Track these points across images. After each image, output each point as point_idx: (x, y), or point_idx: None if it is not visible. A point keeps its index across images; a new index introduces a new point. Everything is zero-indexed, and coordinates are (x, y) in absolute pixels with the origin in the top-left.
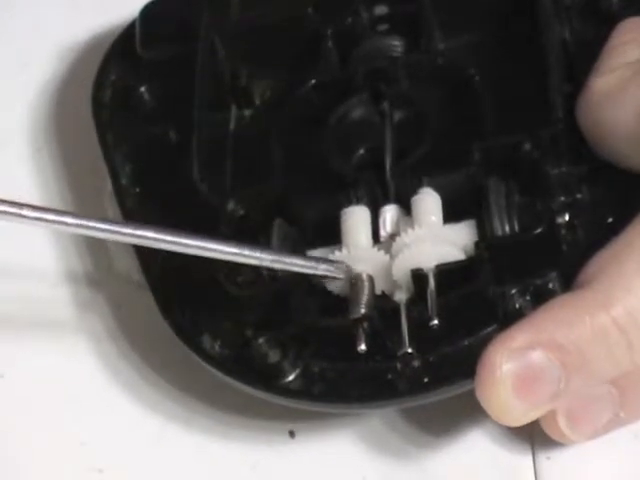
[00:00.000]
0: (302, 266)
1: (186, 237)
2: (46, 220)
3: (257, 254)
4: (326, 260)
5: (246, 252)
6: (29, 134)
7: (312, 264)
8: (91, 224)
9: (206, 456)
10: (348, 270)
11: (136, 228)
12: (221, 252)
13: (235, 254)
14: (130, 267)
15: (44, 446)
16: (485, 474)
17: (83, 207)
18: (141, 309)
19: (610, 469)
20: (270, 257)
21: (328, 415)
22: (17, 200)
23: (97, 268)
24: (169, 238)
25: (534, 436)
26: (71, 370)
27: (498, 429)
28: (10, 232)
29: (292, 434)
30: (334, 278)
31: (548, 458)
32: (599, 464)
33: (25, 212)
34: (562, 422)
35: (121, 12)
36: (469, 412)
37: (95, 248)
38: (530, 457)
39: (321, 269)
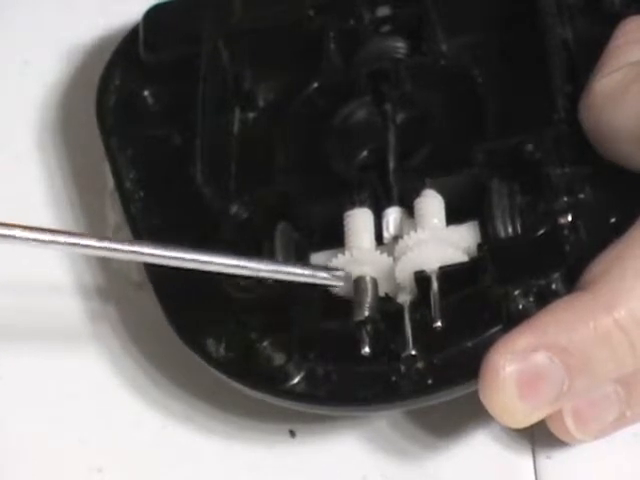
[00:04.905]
0: (301, 275)
1: (181, 251)
2: (38, 240)
3: (254, 265)
4: (325, 268)
5: (243, 264)
6: (34, 134)
7: (311, 272)
8: (84, 242)
9: (206, 455)
10: (347, 277)
11: (131, 245)
12: (218, 265)
13: (232, 266)
14: (130, 267)
15: (44, 445)
16: (485, 473)
17: (89, 207)
18: (143, 308)
19: (610, 469)
20: (268, 267)
21: (329, 415)
22: (21, 197)
23: (100, 267)
24: (163, 253)
25: (534, 436)
26: (72, 369)
27: (498, 429)
28: None
29: (292, 434)
30: (333, 286)
31: (548, 458)
32: (599, 464)
33: (17, 233)
34: (569, 422)
35: (127, 14)
36: (469, 412)
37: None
38: (530, 457)
39: (320, 277)
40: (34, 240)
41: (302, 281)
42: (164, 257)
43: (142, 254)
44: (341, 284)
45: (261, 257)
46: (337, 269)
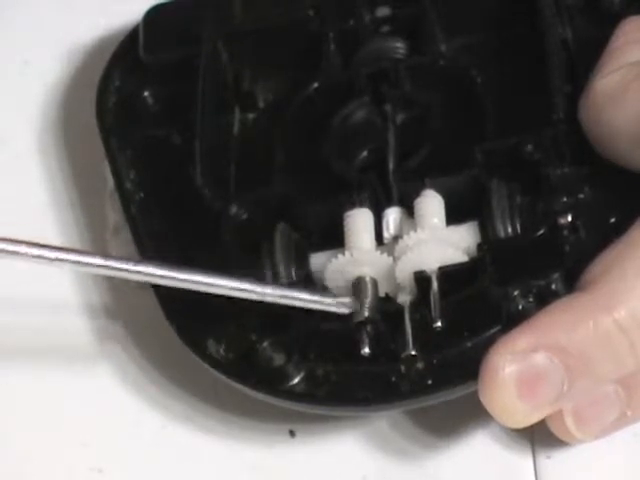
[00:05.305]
0: (307, 301)
1: (188, 273)
2: (45, 258)
3: (261, 289)
4: (331, 294)
5: (250, 287)
6: (34, 134)
7: (317, 299)
8: (90, 261)
9: (206, 456)
10: (353, 304)
11: (135, 264)
12: (224, 288)
13: (239, 290)
14: None
15: (45, 446)
16: (485, 473)
17: (89, 208)
18: (143, 308)
19: (610, 468)
20: (275, 292)
21: (329, 415)
22: (21, 197)
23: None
24: (170, 274)
25: (534, 436)
26: (72, 370)
27: (498, 429)
28: None
29: (292, 433)
30: (339, 313)
31: (548, 457)
32: (599, 463)
33: (23, 249)
34: (569, 422)
35: (127, 14)
36: (469, 412)
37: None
38: (530, 457)
39: (326, 304)
40: (40, 257)
41: (308, 307)
42: (170, 278)
43: (148, 275)
44: (346, 311)
45: (268, 282)
46: (343, 297)
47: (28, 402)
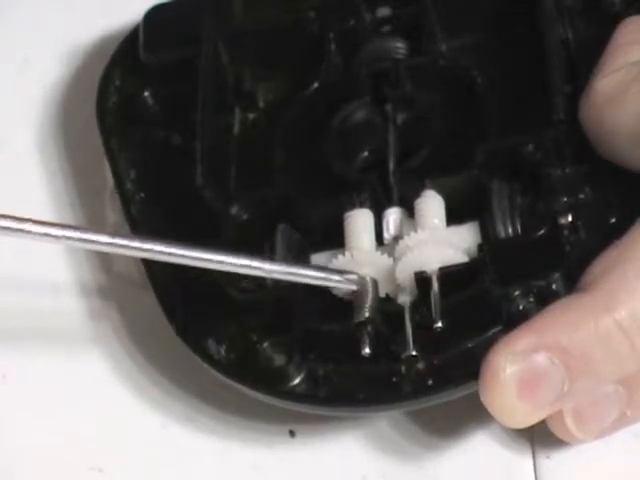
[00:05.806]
0: (314, 277)
1: (195, 251)
2: (50, 235)
3: (267, 266)
4: (338, 271)
5: (256, 264)
6: (34, 134)
7: (324, 275)
8: (96, 238)
9: (206, 456)
10: (360, 281)
11: (143, 242)
12: (232, 265)
13: (246, 267)
14: (131, 267)
15: (45, 445)
16: (485, 473)
17: (89, 208)
18: (143, 308)
19: (610, 468)
20: (281, 269)
21: (329, 416)
22: (21, 197)
23: (101, 267)
24: (177, 252)
25: (534, 436)
26: (72, 369)
27: (498, 429)
28: None
29: (292, 433)
30: (346, 289)
31: (548, 457)
32: (599, 463)
33: (28, 227)
34: (569, 421)
35: (127, 14)
36: (469, 412)
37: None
38: (530, 457)
39: (333, 280)
40: (45, 235)
41: (315, 284)
42: (177, 256)
43: (155, 252)
44: (354, 288)
45: (274, 258)
46: (350, 272)
47: (23, 393)
